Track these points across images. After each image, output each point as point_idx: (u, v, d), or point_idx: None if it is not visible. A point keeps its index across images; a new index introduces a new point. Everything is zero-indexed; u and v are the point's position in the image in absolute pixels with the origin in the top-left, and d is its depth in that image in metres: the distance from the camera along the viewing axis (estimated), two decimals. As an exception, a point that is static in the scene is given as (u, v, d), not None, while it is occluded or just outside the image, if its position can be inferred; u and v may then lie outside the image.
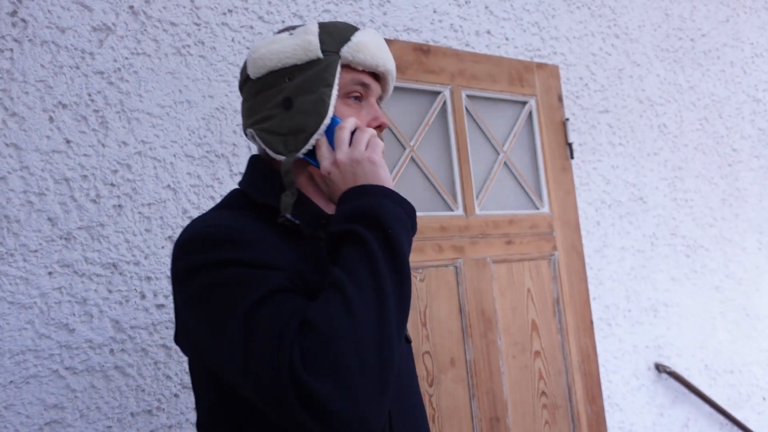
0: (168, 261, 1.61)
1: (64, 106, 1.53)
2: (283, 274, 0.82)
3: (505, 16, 2.42)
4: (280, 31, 1.01)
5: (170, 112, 1.67)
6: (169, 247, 1.62)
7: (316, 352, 0.72)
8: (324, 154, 0.92)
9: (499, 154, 2.28)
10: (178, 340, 0.95)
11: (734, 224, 3.02)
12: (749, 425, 2.84)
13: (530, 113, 2.36)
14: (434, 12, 2.22)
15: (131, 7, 1.64)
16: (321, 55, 0.94)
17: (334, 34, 0.96)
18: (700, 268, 2.85)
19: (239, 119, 1.76)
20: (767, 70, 3.37)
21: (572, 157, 2.41)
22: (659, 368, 2.59)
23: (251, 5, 1.84)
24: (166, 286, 1.60)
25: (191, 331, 0.87)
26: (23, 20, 1.50)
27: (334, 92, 0.93)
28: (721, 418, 2.74)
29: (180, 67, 1.69)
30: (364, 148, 0.90)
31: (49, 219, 1.48)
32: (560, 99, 2.43)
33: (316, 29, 0.95)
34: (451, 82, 2.16)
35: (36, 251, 1.46)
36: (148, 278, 1.58)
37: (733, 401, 2.83)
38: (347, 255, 0.81)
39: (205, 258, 0.82)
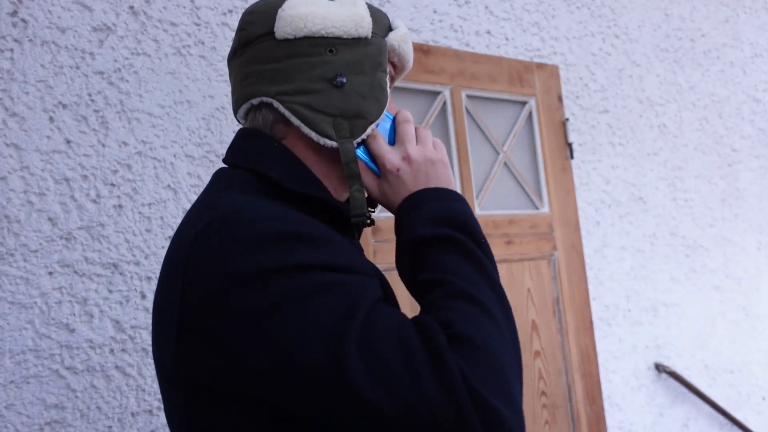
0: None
1: (65, 106, 1.53)
2: (375, 281, 0.70)
3: (505, 16, 2.42)
4: None
5: (170, 112, 1.67)
6: (169, 247, 1.62)
7: (486, 370, 0.63)
8: (386, 148, 0.83)
9: (499, 154, 2.28)
10: (180, 362, 0.70)
11: (734, 224, 3.03)
12: (749, 425, 2.84)
13: (530, 113, 2.37)
14: (434, 12, 2.23)
15: (131, 7, 1.64)
16: (370, 35, 0.83)
17: (378, 17, 0.86)
18: (700, 268, 2.85)
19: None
20: (767, 70, 3.37)
21: (572, 157, 2.42)
22: (659, 368, 2.59)
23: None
24: (166, 286, 1.60)
25: (241, 359, 0.65)
26: (23, 20, 1.50)
27: (388, 80, 0.85)
28: (721, 418, 2.74)
29: (180, 67, 1.70)
30: (432, 147, 0.84)
31: (50, 219, 1.48)
32: (560, 99, 2.43)
33: (363, 3, 0.85)
34: (451, 82, 2.17)
35: (36, 251, 1.46)
36: (149, 278, 1.58)
37: (732, 401, 2.83)
38: (454, 262, 0.72)
39: (282, 260, 0.65)
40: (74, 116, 1.54)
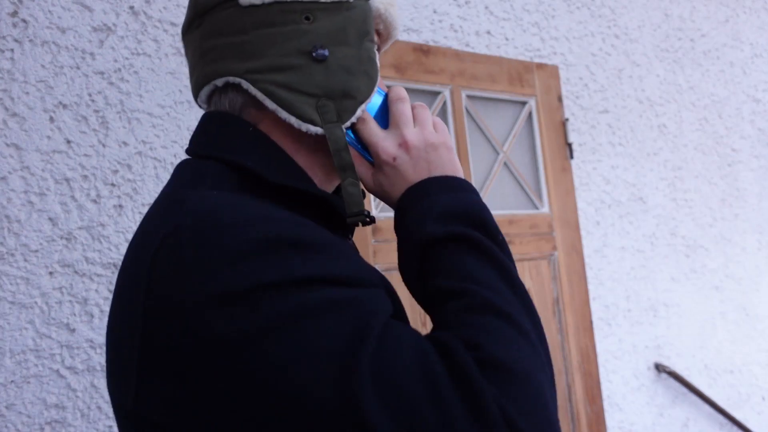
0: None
1: (65, 106, 1.53)
2: (383, 292, 0.58)
3: (505, 16, 2.42)
4: None
5: (170, 112, 1.67)
6: (169, 247, 1.62)
7: (527, 402, 0.52)
8: (379, 134, 0.70)
9: (499, 154, 2.28)
10: (143, 414, 0.56)
11: (734, 224, 3.03)
12: (749, 425, 2.84)
13: (530, 113, 2.37)
14: (434, 12, 2.23)
15: (131, 7, 1.64)
16: None
17: None
18: (700, 268, 2.85)
19: (239, 119, 1.77)
20: (767, 70, 3.37)
21: (572, 157, 2.42)
22: (659, 368, 2.59)
23: (251, 5, 1.84)
24: (166, 286, 1.60)
25: (218, 399, 0.51)
26: (24, 20, 1.50)
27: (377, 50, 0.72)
28: (721, 418, 2.74)
29: (180, 67, 1.70)
30: (433, 130, 0.71)
31: (50, 219, 1.48)
32: (560, 99, 2.43)
33: None
34: (451, 82, 2.17)
35: (37, 251, 1.46)
36: (149, 278, 1.58)
37: (732, 401, 2.83)
38: (473, 266, 0.60)
39: (273, 273, 0.52)
40: (74, 116, 1.54)
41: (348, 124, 0.69)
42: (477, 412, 0.49)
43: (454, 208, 0.64)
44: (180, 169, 0.69)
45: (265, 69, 0.67)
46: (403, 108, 0.71)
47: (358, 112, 0.69)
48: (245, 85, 0.67)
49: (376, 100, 0.73)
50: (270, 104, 0.67)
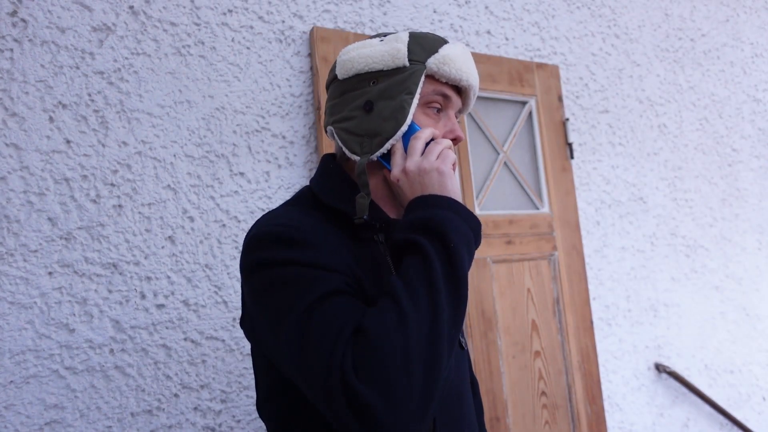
0: (168, 261, 1.61)
1: (64, 106, 1.53)
2: (339, 276, 0.85)
3: (505, 16, 2.42)
4: (373, 37, 1.04)
5: (170, 112, 1.67)
6: (168, 248, 1.62)
7: (365, 360, 0.75)
8: (396, 161, 0.95)
9: (499, 154, 2.28)
10: (242, 324, 0.99)
11: (734, 224, 3.02)
12: (749, 425, 2.84)
13: (530, 113, 2.36)
14: (434, 12, 2.23)
15: (131, 7, 1.64)
16: (407, 64, 0.96)
17: (424, 45, 0.98)
18: (700, 268, 2.85)
19: (239, 119, 1.77)
20: (767, 70, 3.37)
21: (572, 157, 2.41)
22: (659, 368, 2.59)
23: (251, 5, 1.84)
24: (166, 286, 1.60)
25: (253, 321, 0.92)
26: (23, 20, 1.50)
27: (415, 101, 0.95)
28: (721, 418, 2.74)
29: (180, 67, 1.69)
30: (434, 158, 0.93)
31: (49, 219, 1.48)
32: (560, 99, 2.43)
33: (406, 38, 0.98)
34: (451, 82, 2.16)
35: (36, 251, 1.46)
36: (148, 278, 1.58)
37: (733, 401, 2.83)
38: (407, 265, 0.83)
39: (270, 255, 0.86)
40: (74, 116, 1.54)
41: (378, 154, 0.95)
42: (328, 360, 0.76)
43: (420, 221, 0.86)
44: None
45: (341, 120, 0.99)
46: (414, 143, 0.95)
47: (387, 145, 0.95)
48: (333, 131, 1.00)
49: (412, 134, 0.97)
50: (338, 142, 0.99)
